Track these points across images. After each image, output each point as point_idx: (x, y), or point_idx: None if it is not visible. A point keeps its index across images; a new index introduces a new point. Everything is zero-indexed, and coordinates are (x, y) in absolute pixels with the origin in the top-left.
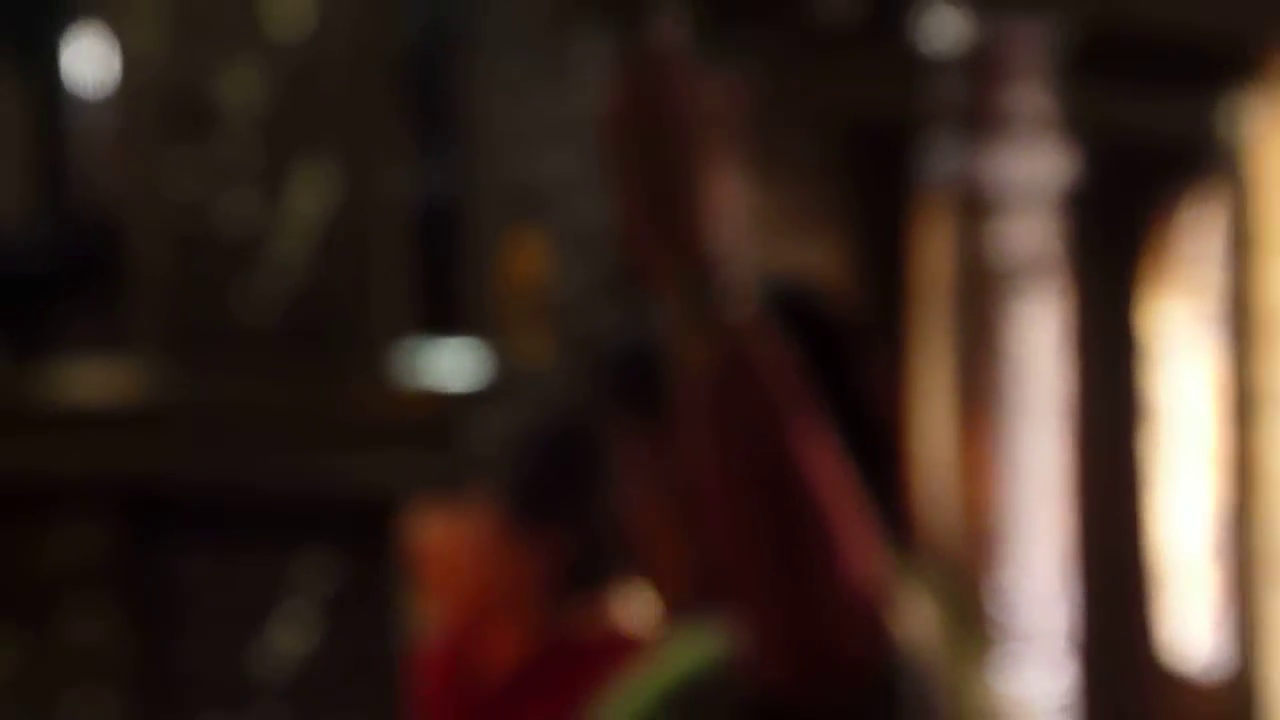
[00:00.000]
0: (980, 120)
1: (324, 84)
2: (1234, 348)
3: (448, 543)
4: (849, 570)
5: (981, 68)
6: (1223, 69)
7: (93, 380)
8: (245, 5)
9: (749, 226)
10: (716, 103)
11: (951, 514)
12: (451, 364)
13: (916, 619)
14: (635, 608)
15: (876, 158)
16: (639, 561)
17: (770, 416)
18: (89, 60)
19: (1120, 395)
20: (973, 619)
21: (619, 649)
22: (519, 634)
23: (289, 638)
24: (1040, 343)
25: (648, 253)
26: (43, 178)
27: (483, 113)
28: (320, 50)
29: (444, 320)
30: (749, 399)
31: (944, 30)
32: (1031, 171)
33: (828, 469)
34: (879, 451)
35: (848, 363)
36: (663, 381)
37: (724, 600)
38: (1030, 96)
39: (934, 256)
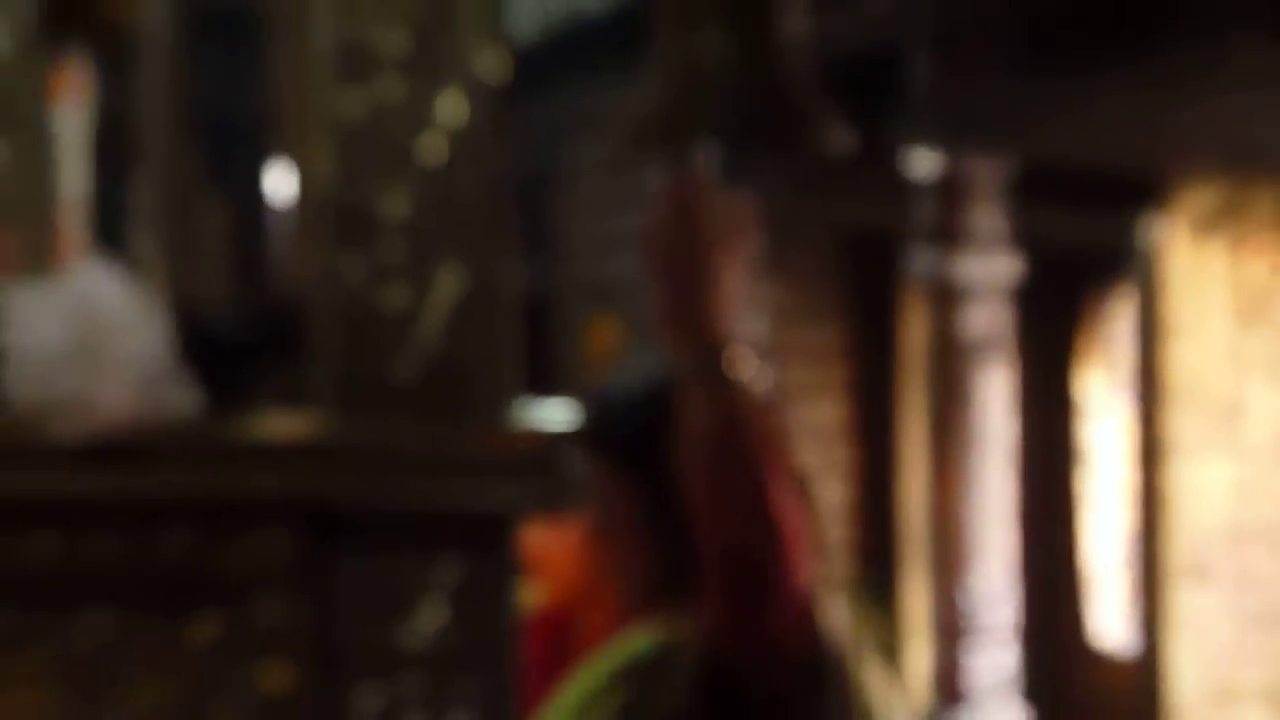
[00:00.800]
0: (948, 232)
1: (457, 203)
2: (1142, 407)
3: (549, 546)
4: (797, 581)
5: (948, 192)
6: (1134, 195)
7: (281, 424)
8: (398, 141)
9: (766, 312)
10: (735, 216)
11: (928, 530)
12: (549, 412)
13: (837, 618)
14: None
15: (869, 259)
16: (611, 567)
17: (752, 461)
18: (279, 183)
19: (1056, 442)
20: (868, 618)
21: None
22: (604, 613)
23: (428, 619)
24: (994, 401)
25: (672, 335)
26: (244, 271)
27: (568, 228)
28: (454, 177)
29: (543, 380)
30: (738, 447)
31: (920, 163)
32: (987, 271)
33: (789, 504)
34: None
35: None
36: (642, 426)
37: (686, 601)
38: (986, 214)
39: (913, 335)
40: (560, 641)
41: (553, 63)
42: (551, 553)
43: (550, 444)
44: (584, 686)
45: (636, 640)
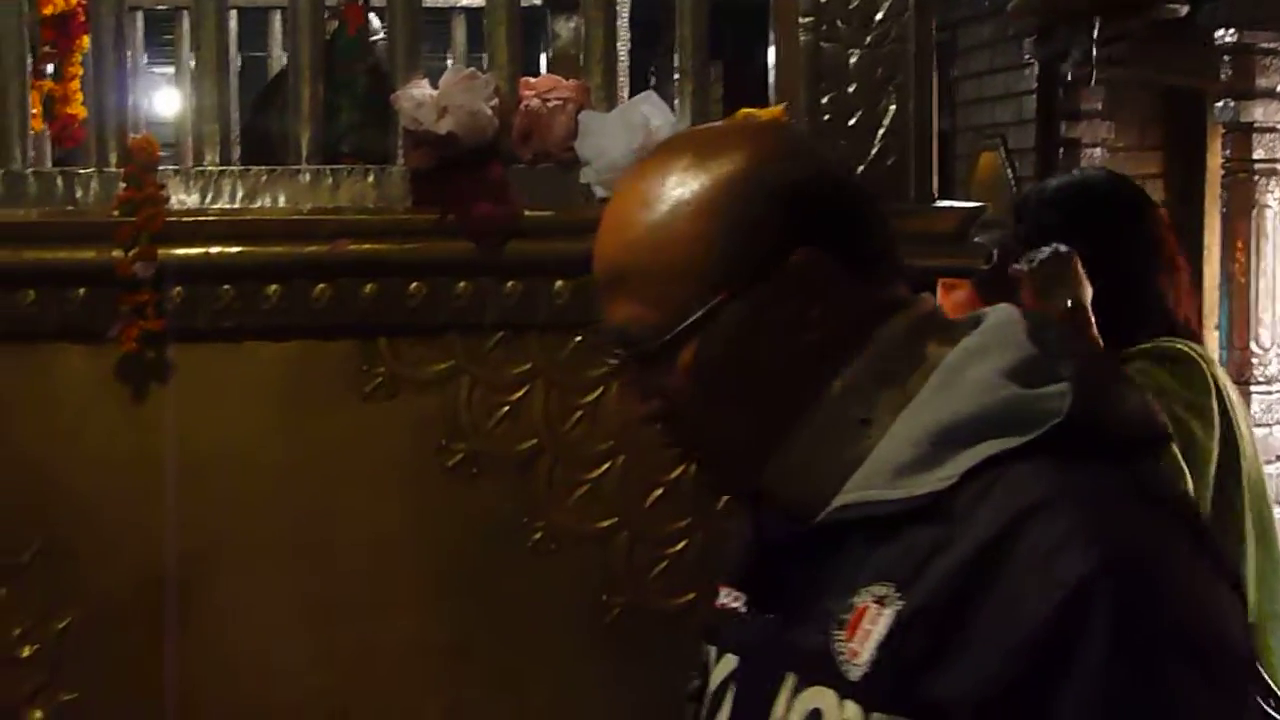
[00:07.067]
0: (1241, 88)
1: (895, 58)
2: None
3: (950, 298)
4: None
5: (1242, 59)
6: None
7: None
8: (852, 20)
9: (1107, 148)
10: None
11: (1220, 302)
12: (955, 204)
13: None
14: None
15: (1182, 109)
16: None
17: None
18: (769, 52)
19: None
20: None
21: None
22: None
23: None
24: (1273, 206)
25: None
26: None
27: (963, 86)
28: (894, 42)
29: (947, 192)
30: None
31: (1222, 38)
32: (1270, 115)
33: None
34: (1171, 268)
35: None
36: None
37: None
38: (1269, 74)
39: (1214, 164)
40: None
41: None
42: (949, 305)
43: (961, 222)
44: None
45: None
